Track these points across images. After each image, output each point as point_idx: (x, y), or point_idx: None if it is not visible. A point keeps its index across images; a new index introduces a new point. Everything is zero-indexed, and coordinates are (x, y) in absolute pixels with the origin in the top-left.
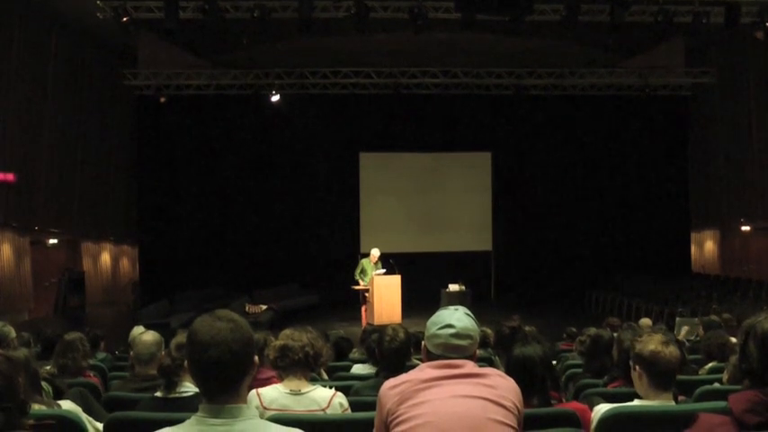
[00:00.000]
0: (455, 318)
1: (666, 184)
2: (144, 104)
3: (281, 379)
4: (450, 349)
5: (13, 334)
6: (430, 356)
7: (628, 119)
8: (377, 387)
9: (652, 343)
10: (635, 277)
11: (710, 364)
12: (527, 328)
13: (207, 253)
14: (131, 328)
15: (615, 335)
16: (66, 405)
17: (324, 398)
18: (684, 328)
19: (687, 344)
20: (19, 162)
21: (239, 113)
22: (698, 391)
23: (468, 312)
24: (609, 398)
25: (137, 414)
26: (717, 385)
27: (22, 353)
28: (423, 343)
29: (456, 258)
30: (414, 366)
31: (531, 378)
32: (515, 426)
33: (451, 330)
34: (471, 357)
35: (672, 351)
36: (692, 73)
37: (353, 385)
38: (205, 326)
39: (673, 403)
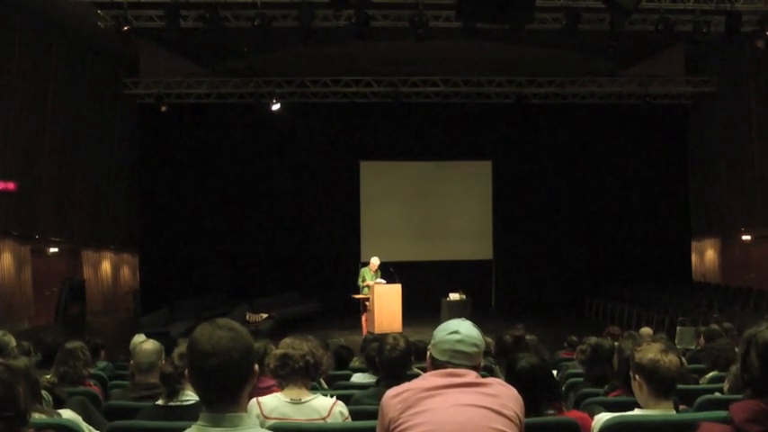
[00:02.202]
0: (462, 326)
1: (667, 192)
2: (145, 113)
3: (281, 388)
4: (456, 356)
5: (14, 342)
6: (434, 364)
7: (628, 127)
8: (377, 396)
9: (651, 351)
10: (635, 286)
11: (711, 374)
12: (527, 337)
13: (207, 261)
14: (132, 336)
15: (616, 344)
16: (67, 414)
17: (324, 407)
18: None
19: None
20: (20, 170)
21: (240, 122)
22: (699, 400)
23: (475, 325)
24: (609, 407)
25: (137, 423)
26: (718, 394)
27: (22, 362)
28: (428, 353)
29: (456, 267)
30: (414, 375)
31: (531, 389)
32: None
33: (458, 336)
34: (475, 368)
35: (671, 359)
36: (693, 82)
37: (354, 394)
38: (205, 335)
39: (673, 412)
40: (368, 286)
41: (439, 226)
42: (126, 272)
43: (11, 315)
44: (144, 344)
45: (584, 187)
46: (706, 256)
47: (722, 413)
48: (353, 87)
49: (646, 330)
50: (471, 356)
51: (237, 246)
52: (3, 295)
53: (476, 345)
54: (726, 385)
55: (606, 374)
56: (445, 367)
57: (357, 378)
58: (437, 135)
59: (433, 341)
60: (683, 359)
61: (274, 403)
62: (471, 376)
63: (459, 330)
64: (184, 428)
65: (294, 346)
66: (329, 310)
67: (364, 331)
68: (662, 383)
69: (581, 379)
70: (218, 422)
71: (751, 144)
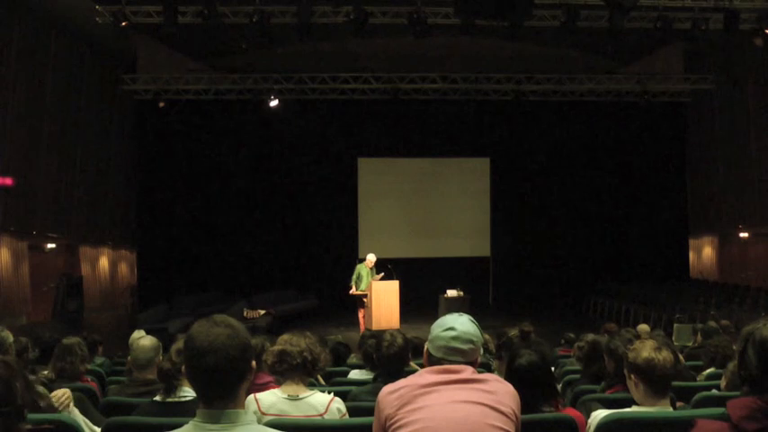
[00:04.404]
0: (458, 322)
1: (665, 189)
2: (143, 109)
3: (278, 384)
4: (451, 352)
5: (11, 338)
6: (431, 360)
7: (626, 125)
8: (374, 392)
9: (645, 350)
10: (633, 283)
11: (708, 371)
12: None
13: (205, 258)
14: (129, 332)
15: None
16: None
17: (322, 403)
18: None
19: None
20: (17, 166)
21: (238, 118)
22: (696, 397)
23: (473, 320)
24: (607, 403)
25: (135, 419)
26: (715, 392)
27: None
28: (425, 347)
29: (454, 264)
30: (411, 372)
31: (529, 387)
32: (513, 431)
33: (453, 333)
34: (472, 364)
35: (665, 356)
36: (691, 79)
37: (351, 390)
38: (202, 332)
39: (670, 409)
40: (355, 285)
41: (437, 223)
42: (124, 268)
43: (8, 311)
44: (141, 340)
45: (582, 184)
46: (704, 253)
47: (719, 410)
48: (352, 84)
49: (643, 327)
50: (467, 353)
51: (235, 242)
52: (0, 291)
53: (471, 341)
54: (723, 382)
55: (603, 371)
56: (441, 364)
57: (354, 374)
58: (435, 132)
59: (429, 336)
60: (680, 356)
61: (272, 399)
62: (468, 372)
63: (455, 327)
64: (182, 424)
65: (292, 342)
66: (327, 307)
67: (362, 328)
68: (658, 382)
69: (578, 376)
70: (216, 418)
71: (749, 141)
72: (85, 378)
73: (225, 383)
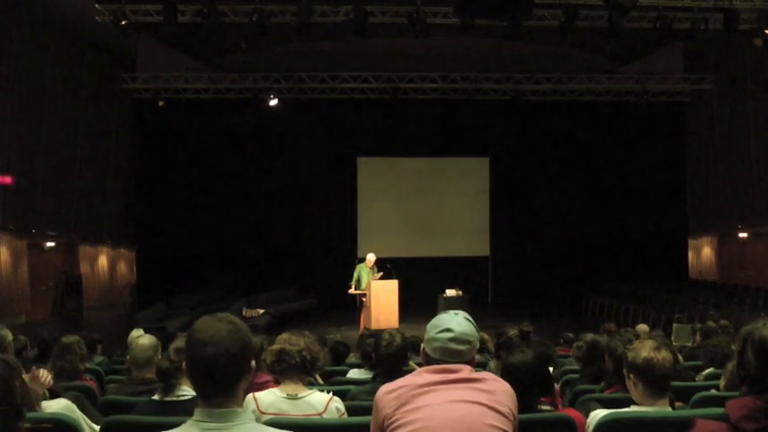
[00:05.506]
0: (454, 322)
1: (664, 189)
2: (142, 108)
3: (277, 383)
4: (448, 354)
5: (11, 337)
6: (428, 360)
7: (626, 124)
8: (373, 392)
9: (644, 350)
10: (632, 283)
11: (707, 371)
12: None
13: (204, 257)
14: (128, 331)
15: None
16: (61, 403)
17: (321, 402)
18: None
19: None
20: (17, 165)
21: (237, 117)
22: (695, 397)
23: (469, 317)
24: (606, 403)
25: (133, 417)
26: (714, 391)
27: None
28: (422, 346)
29: (454, 263)
30: (411, 371)
31: (522, 386)
32: (511, 431)
33: (450, 335)
34: (470, 362)
35: (665, 356)
36: (691, 79)
37: (350, 390)
38: (205, 325)
39: (669, 409)
40: (356, 285)
41: (436, 222)
42: (123, 267)
43: (8, 310)
44: (140, 339)
45: (581, 184)
46: (703, 253)
47: (718, 410)
48: (351, 83)
49: (642, 327)
50: (464, 353)
51: (234, 241)
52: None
53: (468, 342)
54: (722, 382)
55: (602, 371)
56: (438, 364)
57: (353, 374)
58: (434, 131)
59: (426, 336)
60: (680, 356)
61: (271, 399)
62: (465, 371)
63: (452, 328)
64: (180, 424)
65: (291, 341)
66: (326, 307)
67: (361, 327)
68: (657, 381)
69: (577, 376)
70: (214, 417)
71: (748, 141)
72: (84, 377)
73: (223, 378)
